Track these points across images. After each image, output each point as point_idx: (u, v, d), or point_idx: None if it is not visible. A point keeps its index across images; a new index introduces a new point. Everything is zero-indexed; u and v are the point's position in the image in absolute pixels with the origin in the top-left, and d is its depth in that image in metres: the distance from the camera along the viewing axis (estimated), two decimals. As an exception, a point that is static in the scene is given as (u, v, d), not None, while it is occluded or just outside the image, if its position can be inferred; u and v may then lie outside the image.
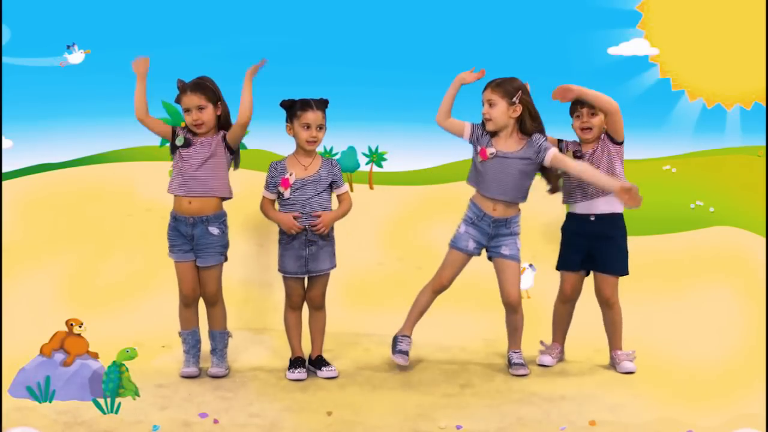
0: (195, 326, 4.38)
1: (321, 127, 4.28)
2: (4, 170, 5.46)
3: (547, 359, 4.45)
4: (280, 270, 4.36)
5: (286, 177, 4.28)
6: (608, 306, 4.41)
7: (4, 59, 5.42)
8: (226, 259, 4.34)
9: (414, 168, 6.04)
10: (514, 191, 4.29)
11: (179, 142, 4.21)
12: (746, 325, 4.97)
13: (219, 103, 4.25)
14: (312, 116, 4.24)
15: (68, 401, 3.79)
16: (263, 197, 4.36)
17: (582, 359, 4.51)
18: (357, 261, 5.48)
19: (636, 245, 4.46)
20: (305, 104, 4.25)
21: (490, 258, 4.41)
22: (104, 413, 3.66)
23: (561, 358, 4.53)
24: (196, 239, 4.25)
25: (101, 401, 3.69)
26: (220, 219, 4.29)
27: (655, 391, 4.01)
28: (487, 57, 5.63)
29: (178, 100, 4.27)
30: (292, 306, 4.38)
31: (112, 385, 3.78)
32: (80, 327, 3.94)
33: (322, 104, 4.29)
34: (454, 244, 4.39)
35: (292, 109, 4.28)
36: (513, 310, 4.36)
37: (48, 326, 4.00)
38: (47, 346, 3.92)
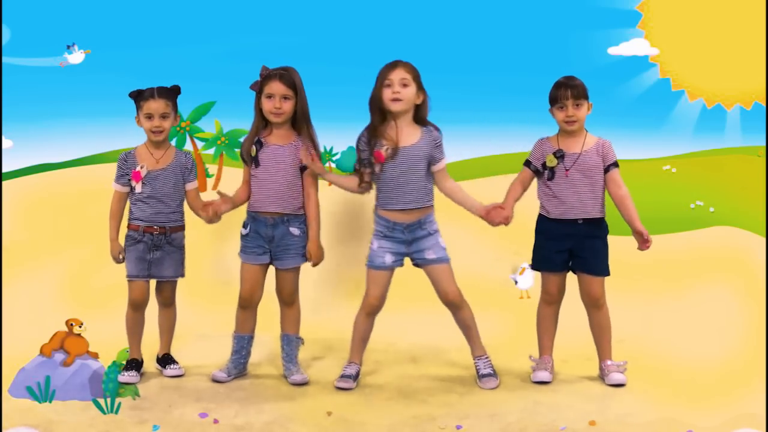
0: (245, 332, 4.21)
1: (165, 116, 4.11)
2: (4, 170, 5.46)
3: (545, 375, 4.15)
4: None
5: (137, 170, 4.11)
6: (597, 307, 4.17)
7: (4, 59, 5.42)
8: (305, 260, 4.18)
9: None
10: (419, 193, 4.05)
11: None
12: (746, 325, 4.96)
13: (298, 97, 4.07)
14: (153, 105, 4.08)
15: (68, 401, 3.79)
16: (115, 192, 4.19)
17: (582, 359, 4.50)
18: (357, 261, 5.46)
19: (636, 245, 4.44)
20: (148, 93, 4.11)
21: (417, 265, 4.13)
22: (104, 413, 3.66)
23: (552, 372, 4.25)
24: (276, 241, 4.10)
25: (101, 401, 3.69)
26: (301, 219, 4.14)
27: (655, 391, 4.01)
28: (487, 57, 5.65)
29: (258, 87, 4.10)
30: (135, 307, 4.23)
31: (112, 385, 3.78)
32: (80, 327, 3.94)
33: (166, 92, 4.13)
34: (370, 264, 4.12)
35: (138, 99, 4.14)
36: (456, 307, 4.12)
37: (48, 326, 4.00)
38: (47, 346, 3.93)
